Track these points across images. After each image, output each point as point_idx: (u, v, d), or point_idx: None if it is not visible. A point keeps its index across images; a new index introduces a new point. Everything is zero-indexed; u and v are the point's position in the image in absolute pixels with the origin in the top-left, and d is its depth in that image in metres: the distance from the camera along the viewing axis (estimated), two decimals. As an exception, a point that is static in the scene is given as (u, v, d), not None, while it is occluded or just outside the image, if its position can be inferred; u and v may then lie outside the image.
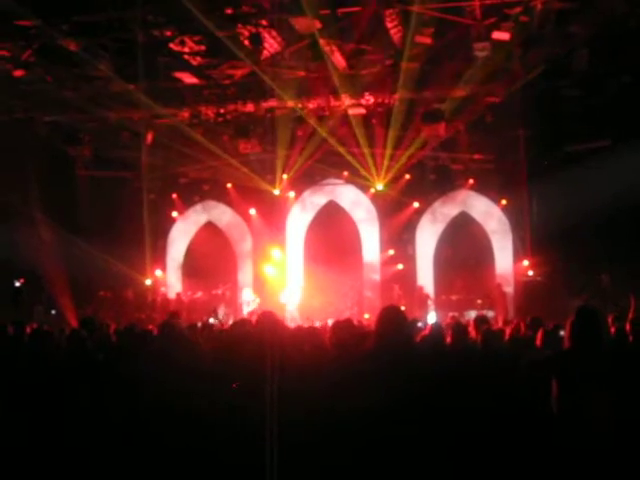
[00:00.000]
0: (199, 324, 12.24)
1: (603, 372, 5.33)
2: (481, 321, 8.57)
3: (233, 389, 5.72)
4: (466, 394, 5.81)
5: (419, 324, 12.68)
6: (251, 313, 20.87)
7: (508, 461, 5.91)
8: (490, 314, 18.94)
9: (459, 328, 7.99)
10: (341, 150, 22.28)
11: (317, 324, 15.72)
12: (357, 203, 25.48)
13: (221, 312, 22.98)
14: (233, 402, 5.45)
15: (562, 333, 5.85)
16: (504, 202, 23.83)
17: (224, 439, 5.40)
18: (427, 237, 24.98)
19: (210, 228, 26.70)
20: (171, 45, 16.05)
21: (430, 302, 23.47)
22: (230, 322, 12.53)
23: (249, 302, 24.07)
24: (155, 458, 5.84)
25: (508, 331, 8.84)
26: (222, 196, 26.24)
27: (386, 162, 22.44)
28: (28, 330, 8.85)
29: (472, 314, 18.67)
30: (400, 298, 22.68)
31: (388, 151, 21.83)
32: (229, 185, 25.61)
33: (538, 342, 7.13)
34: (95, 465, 6.13)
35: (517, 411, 6.01)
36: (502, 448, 5.91)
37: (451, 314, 18.70)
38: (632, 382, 5.46)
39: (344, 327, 6.78)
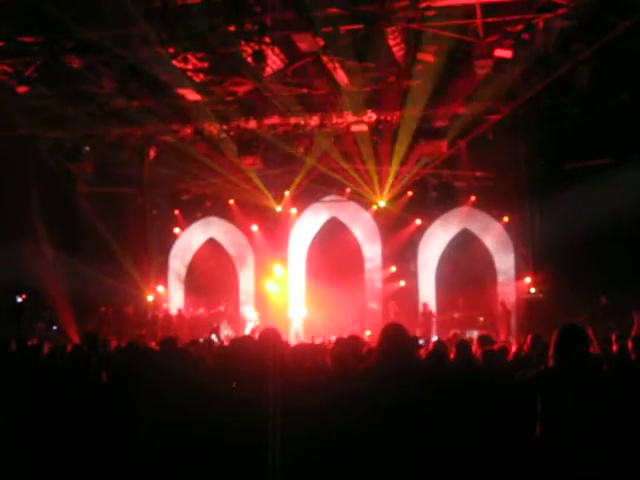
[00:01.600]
0: (201, 340, 12.23)
1: (587, 389, 5.25)
2: (484, 340, 8.52)
3: (233, 389, 5.74)
4: (466, 412, 5.79)
5: (420, 341, 12.67)
6: (254, 330, 20.87)
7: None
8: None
9: (463, 345, 7.97)
10: (343, 167, 22.34)
11: (318, 340, 15.69)
12: (359, 220, 25.50)
13: (224, 329, 22.98)
14: (234, 417, 5.43)
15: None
16: (506, 219, 23.83)
17: (225, 454, 5.38)
18: (429, 254, 24.98)
19: (212, 244, 26.72)
20: (174, 62, 16.10)
21: (434, 320, 23.45)
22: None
23: (251, 319, 24.10)
24: (159, 474, 5.83)
25: (513, 349, 8.82)
26: (224, 212, 26.27)
27: (388, 179, 22.49)
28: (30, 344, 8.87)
29: (474, 333, 18.60)
30: (397, 315, 22.60)
31: (390, 168, 21.88)
32: (231, 201, 25.65)
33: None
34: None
35: (509, 430, 5.98)
36: (496, 464, 5.89)
37: (453, 331, 18.66)
38: (631, 399, 5.42)
39: (347, 344, 6.78)
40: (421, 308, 23.80)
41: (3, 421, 6.46)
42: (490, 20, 14.46)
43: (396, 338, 5.43)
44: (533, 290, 22.61)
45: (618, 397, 5.31)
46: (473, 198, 24.01)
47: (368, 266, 25.39)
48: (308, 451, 5.24)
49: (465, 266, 23.57)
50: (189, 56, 15.92)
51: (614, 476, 5.13)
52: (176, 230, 26.67)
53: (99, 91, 17.94)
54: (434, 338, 18.27)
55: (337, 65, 16.15)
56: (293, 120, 19.92)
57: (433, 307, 24.27)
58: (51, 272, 21.27)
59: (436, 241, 24.92)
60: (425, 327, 22.46)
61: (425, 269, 25.01)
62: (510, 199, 22.67)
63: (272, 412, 5.14)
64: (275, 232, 25.55)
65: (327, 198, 25.56)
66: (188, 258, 26.91)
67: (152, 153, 21.71)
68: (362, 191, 23.32)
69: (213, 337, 15.78)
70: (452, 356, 7.99)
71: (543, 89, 16.84)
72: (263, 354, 5.60)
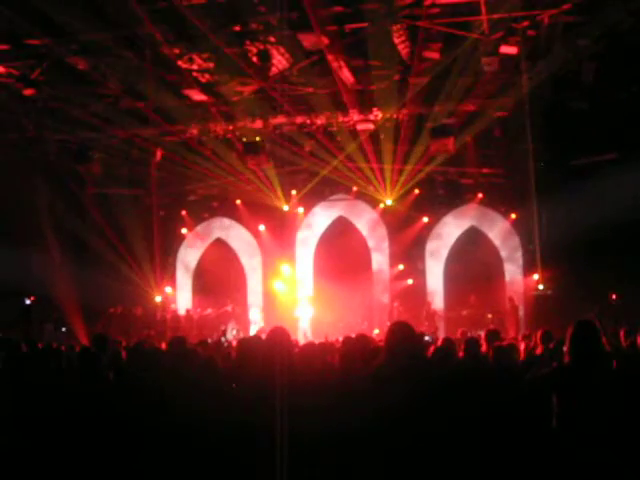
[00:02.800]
0: (209, 340, 12.25)
1: (603, 386, 5.27)
2: (492, 336, 8.49)
3: (238, 389, 5.74)
4: (475, 410, 5.77)
5: (426, 338, 12.66)
6: (259, 332, 20.89)
7: (511, 476, 5.88)
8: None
9: (471, 342, 7.95)
10: (350, 166, 22.30)
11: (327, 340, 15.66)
12: (366, 218, 25.49)
13: (232, 329, 23.02)
14: (242, 416, 5.43)
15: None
16: (513, 216, 23.81)
17: (233, 453, 5.38)
18: (437, 252, 24.94)
19: (219, 244, 26.74)
20: (180, 62, 16.10)
21: (437, 318, 23.39)
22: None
23: (255, 322, 24.20)
24: (168, 475, 5.83)
25: (522, 346, 8.79)
26: (231, 212, 26.30)
27: (395, 177, 22.44)
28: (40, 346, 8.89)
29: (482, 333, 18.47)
30: (400, 315, 22.55)
31: (397, 166, 21.83)
32: (238, 201, 25.68)
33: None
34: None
35: (522, 427, 5.97)
36: (507, 462, 5.88)
37: (461, 330, 18.58)
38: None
39: (355, 343, 6.77)
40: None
41: (14, 422, 6.47)
42: (495, 17, 14.41)
43: (403, 337, 5.41)
44: (541, 287, 22.56)
45: (633, 393, 5.31)
46: (480, 195, 24.00)
47: (376, 265, 25.39)
48: (316, 450, 5.23)
49: (473, 263, 23.53)
50: (194, 56, 15.92)
51: (632, 472, 5.12)
52: (183, 231, 26.71)
53: (105, 92, 17.97)
54: (440, 335, 18.24)
55: (342, 64, 16.13)
56: (299, 119, 19.90)
57: (441, 304, 24.28)
58: (59, 274, 21.32)
59: (444, 239, 24.90)
60: (429, 324, 22.41)
61: (433, 267, 24.99)
62: (517, 196, 22.62)
63: (280, 411, 5.13)
64: (282, 231, 25.52)
65: (334, 197, 25.56)
66: (195, 259, 26.94)
67: (158, 154, 21.72)
68: (369, 190, 23.30)
69: (222, 340, 15.77)
70: (461, 354, 7.97)
71: (549, 85, 16.78)
72: (271, 353, 5.60)
